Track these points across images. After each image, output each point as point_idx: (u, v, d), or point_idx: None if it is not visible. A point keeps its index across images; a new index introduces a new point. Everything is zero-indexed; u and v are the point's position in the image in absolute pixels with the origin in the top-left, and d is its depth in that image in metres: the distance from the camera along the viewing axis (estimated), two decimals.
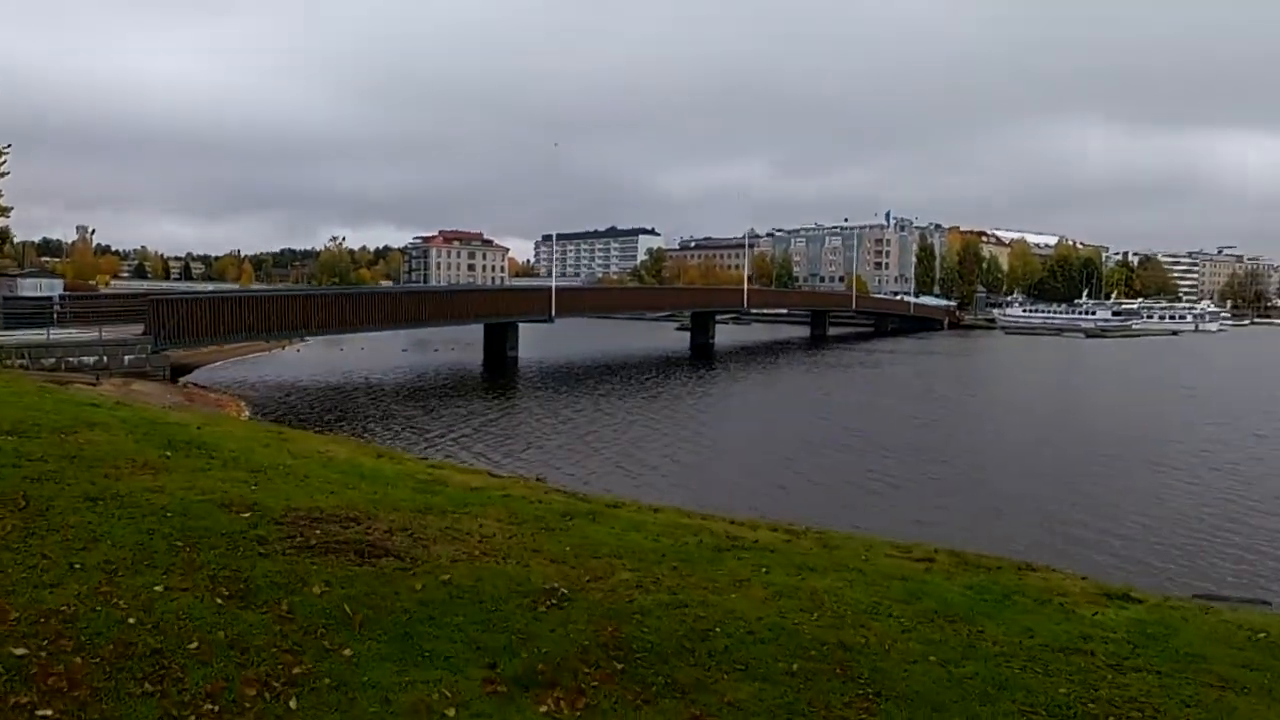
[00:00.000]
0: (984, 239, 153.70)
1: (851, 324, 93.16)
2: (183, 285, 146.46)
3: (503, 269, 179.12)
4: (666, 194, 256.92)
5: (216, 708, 3.35)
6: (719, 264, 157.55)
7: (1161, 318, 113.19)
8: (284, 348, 45.79)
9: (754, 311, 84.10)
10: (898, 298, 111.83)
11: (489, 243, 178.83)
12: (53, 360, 24.77)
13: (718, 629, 4.69)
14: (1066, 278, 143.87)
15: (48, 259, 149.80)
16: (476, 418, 28.59)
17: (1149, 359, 67.19)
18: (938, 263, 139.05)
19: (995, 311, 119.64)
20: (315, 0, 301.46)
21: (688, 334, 70.99)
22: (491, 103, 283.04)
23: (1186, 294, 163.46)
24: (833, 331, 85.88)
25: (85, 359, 25.57)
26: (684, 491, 17.39)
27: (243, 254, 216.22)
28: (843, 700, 3.94)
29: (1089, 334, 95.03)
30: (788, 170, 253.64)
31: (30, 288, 48.34)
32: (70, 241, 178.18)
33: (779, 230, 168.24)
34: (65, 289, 52.06)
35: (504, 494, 8.49)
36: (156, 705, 3.32)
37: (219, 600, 4.38)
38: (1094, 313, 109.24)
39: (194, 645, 3.80)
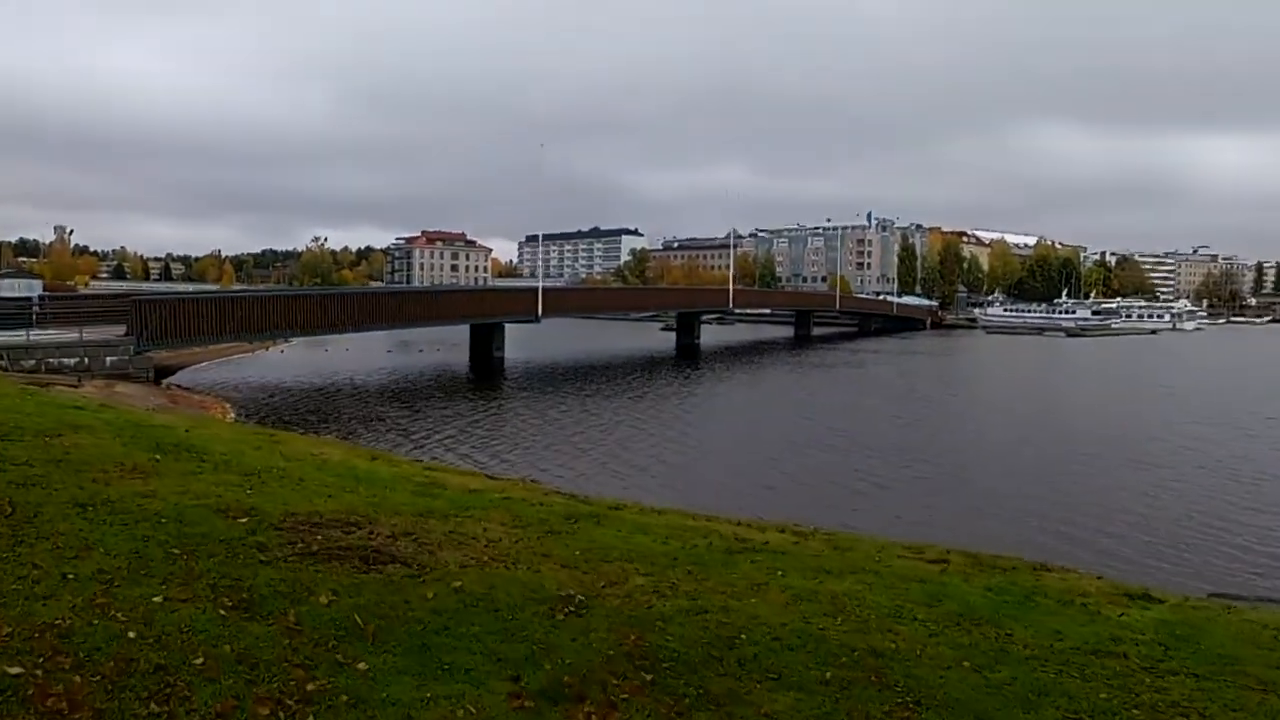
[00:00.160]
0: (964, 239, 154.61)
1: (835, 324, 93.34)
2: (163, 286, 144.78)
3: (486, 269, 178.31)
4: (649, 195, 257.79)
5: None
6: (702, 264, 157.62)
7: (1140, 317, 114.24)
8: (267, 349, 45.21)
9: (738, 312, 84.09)
10: (881, 298, 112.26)
11: (472, 243, 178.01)
12: (33, 362, 24.24)
13: (743, 636, 4.52)
14: (1046, 277, 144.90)
15: (24, 259, 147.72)
16: (463, 419, 28.29)
17: (1132, 358, 67.73)
18: (919, 263, 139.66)
19: (976, 311, 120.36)
20: (298, 2, 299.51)
21: (673, 334, 70.84)
22: (474, 105, 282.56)
23: (1163, 293, 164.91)
24: (817, 331, 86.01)
25: (66, 361, 25.04)
26: (673, 492, 17.24)
27: (224, 254, 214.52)
28: (882, 710, 3.79)
29: (1070, 333, 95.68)
30: (769, 172, 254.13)
31: (8, 288, 47.40)
32: (48, 242, 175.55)
33: (761, 231, 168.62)
34: (44, 289, 51.12)
35: (504, 496, 8.31)
36: None
37: (222, 611, 4.16)
38: (1074, 312, 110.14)
39: (200, 661, 3.59)
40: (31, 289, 46.88)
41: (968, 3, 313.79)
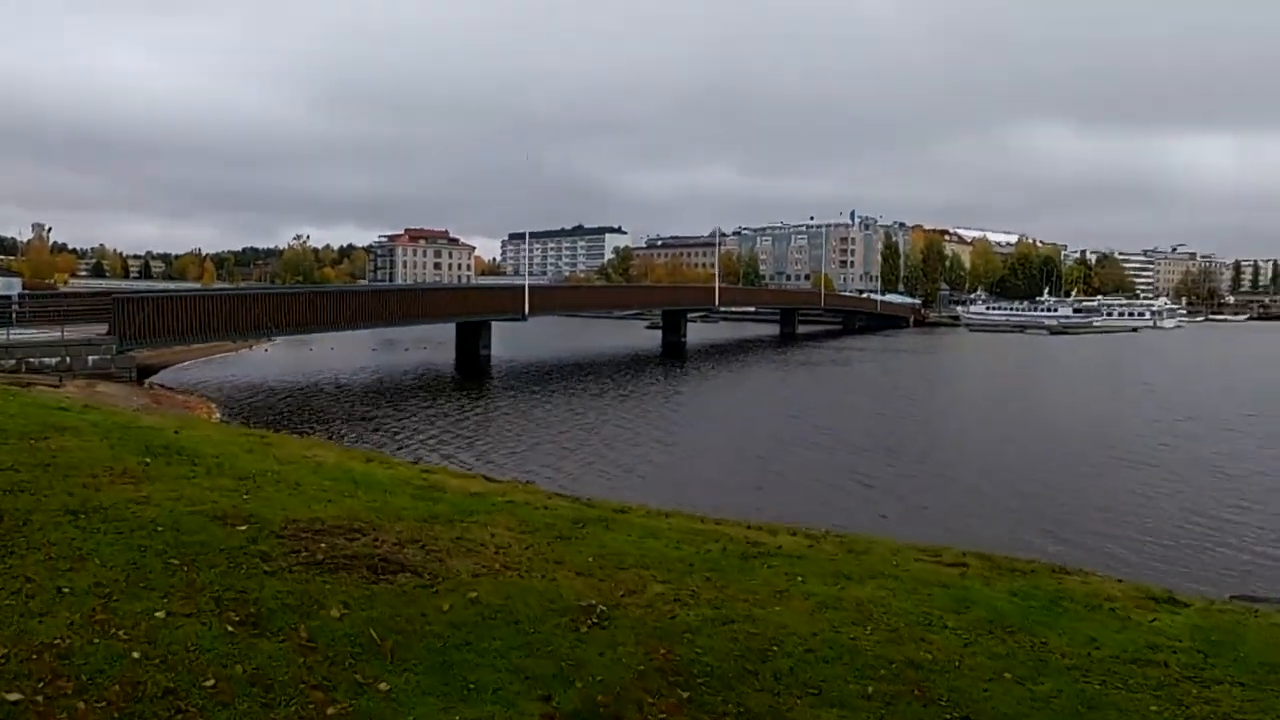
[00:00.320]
0: (946, 238, 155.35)
1: (820, 322, 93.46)
2: (143, 284, 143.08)
3: (469, 268, 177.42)
4: (632, 194, 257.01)
5: None
6: (686, 262, 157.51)
7: (1122, 314, 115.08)
8: (251, 348, 44.65)
9: (723, 310, 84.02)
10: (865, 296, 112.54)
11: (455, 241, 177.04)
12: (13, 361, 23.67)
13: (774, 648, 4.34)
14: (1027, 275, 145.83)
15: (2, 257, 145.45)
16: (448, 418, 27.98)
17: (1115, 355, 68.20)
18: (902, 261, 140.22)
19: (959, 309, 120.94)
20: (276, 1, 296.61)
21: (659, 332, 70.67)
22: (457, 104, 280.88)
23: (1143, 291, 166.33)
24: (802, 329, 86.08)
25: (47, 360, 24.48)
26: (663, 491, 16.99)
27: (204, 253, 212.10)
28: None
29: (1052, 331, 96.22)
30: (752, 171, 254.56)
31: None
32: (25, 240, 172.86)
33: (745, 229, 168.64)
34: (24, 287, 50.17)
35: (506, 500, 8.09)
36: None
37: (229, 627, 3.93)
38: (1056, 310, 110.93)
39: (210, 683, 3.36)
40: (11, 287, 45.95)
41: (967, 3, 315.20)
